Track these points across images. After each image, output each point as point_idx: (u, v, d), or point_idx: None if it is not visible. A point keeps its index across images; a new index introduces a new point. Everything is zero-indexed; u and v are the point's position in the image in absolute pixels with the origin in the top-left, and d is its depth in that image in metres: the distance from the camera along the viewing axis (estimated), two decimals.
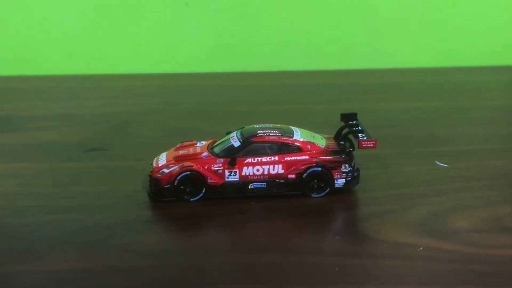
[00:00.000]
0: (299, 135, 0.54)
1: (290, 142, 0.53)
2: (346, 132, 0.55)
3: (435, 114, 0.80)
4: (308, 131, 0.56)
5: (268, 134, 0.54)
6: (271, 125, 0.56)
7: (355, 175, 0.54)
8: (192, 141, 0.57)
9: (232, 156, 0.52)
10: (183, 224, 0.50)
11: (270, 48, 1.05)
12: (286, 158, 0.53)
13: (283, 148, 0.53)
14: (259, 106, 0.85)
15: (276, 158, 0.53)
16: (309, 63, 1.06)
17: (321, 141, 0.55)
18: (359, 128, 0.55)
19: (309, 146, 0.53)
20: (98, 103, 0.86)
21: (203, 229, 0.49)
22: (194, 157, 0.53)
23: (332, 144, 0.55)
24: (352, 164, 0.54)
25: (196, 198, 0.53)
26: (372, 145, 0.53)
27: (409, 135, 0.71)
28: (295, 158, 0.53)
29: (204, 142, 0.56)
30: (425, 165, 0.61)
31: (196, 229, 0.49)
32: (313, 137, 0.55)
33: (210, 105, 0.85)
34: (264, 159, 0.53)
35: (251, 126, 0.56)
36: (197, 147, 0.55)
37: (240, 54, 1.05)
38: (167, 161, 0.54)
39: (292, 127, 0.56)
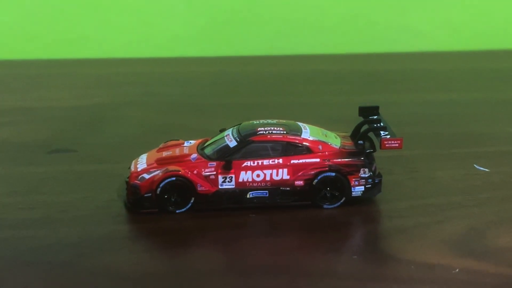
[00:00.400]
0: (308, 133, 0.54)
1: (297, 141, 0.53)
2: (366, 129, 0.55)
3: (473, 108, 0.80)
4: (319, 128, 0.56)
5: (270, 131, 0.54)
6: (275, 121, 0.56)
7: (376, 181, 0.54)
8: (178, 140, 0.58)
9: (227, 159, 0.53)
10: (167, 241, 0.50)
11: (273, 28, 1.06)
12: (292, 161, 0.53)
13: (289, 149, 0.53)
14: (260, 98, 0.85)
15: (281, 161, 0.53)
16: (321, 45, 1.06)
17: (335, 140, 0.55)
18: (381, 124, 0.55)
19: (320, 147, 0.53)
20: (65, 95, 0.86)
21: (192, 247, 0.49)
22: (180, 159, 0.54)
23: (349, 144, 0.55)
24: (373, 168, 0.54)
25: (183, 210, 0.53)
26: (397, 145, 0.53)
27: (442, 133, 0.71)
28: (304, 161, 0.53)
29: (193, 142, 0.56)
30: (462, 169, 0.62)
31: (183, 247, 0.49)
32: (326, 136, 0.55)
33: (199, 96, 0.85)
34: (265, 162, 0.53)
35: (250, 122, 0.56)
36: (185, 148, 0.55)
37: (237, 35, 1.06)
38: (148, 165, 0.54)
39: (300, 124, 0.56)
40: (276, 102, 0.83)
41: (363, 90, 0.88)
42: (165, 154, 0.55)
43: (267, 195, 0.53)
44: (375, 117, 0.57)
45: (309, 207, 0.54)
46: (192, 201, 0.53)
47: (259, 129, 0.54)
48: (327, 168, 0.53)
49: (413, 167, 0.62)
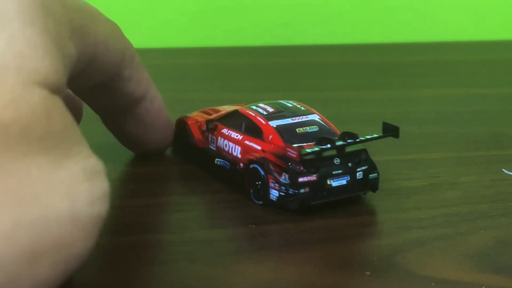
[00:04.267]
0: (288, 121, 0.56)
1: (258, 124, 0.56)
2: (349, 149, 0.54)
3: (502, 105, 0.80)
4: (326, 126, 0.56)
5: (257, 109, 0.58)
6: (289, 103, 0.59)
7: (290, 193, 0.52)
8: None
9: (213, 120, 0.60)
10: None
11: (276, 15, 1.06)
12: (245, 142, 0.56)
13: (251, 129, 0.56)
14: (260, 93, 0.85)
15: (240, 137, 0.57)
16: (329, 34, 1.06)
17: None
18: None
19: (271, 137, 0.55)
20: None
21: (184, 263, 0.49)
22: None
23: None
24: (303, 180, 0.52)
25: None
26: (294, 155, 0.51)
27: (467, 133, 0.72)
28: (251, 144, 0.56)
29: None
30: (488, 174, 0.62)
31: (168, 263, 0.49)
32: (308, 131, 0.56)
33: (194, 92, 0.85)
34: (233, 134, 0.58)
35: (279, 101, 0.60)
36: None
37: (235, 23, 1.06)
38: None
39: (315, 115, 0.57)
40: (278, 98, 0.83)
41: (376, 85, 0.88)
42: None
43: (229, 167, 0.57)
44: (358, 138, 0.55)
45: (314, 217, 0.54)
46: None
47: (259, 104, 0.58)
48: (254, 158, 0.54)
49: (433, 172, 0.62)
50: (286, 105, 0.59)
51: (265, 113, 0.57)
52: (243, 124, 0.57)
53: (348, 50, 1.03)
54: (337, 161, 0.53)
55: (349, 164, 0.53)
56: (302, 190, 0.52)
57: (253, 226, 0.53)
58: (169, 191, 0.59)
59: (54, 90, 0.37)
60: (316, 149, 0.52)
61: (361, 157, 0.54)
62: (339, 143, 0.53)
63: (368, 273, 0.47)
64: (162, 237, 0.51)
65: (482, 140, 0.69)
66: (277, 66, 0.96)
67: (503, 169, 0.63)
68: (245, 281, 0.47)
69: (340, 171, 0.53)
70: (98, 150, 0.41)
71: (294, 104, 0.59)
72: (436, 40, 1.06)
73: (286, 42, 1.05)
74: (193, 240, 0.51)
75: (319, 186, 0.53)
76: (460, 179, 0.61)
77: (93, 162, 0.37)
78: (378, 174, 0.55)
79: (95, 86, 0.55)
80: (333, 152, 0.53)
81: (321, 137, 0.54)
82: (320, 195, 0.53)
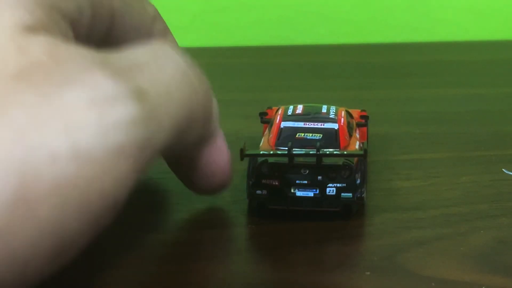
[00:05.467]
0: (296, 125, 0.55)
1: (274, 122, 0.56)
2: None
3: (503, 105, 0.80)
4: (334, 136, 0.55)
5: (290, 108, 0.58)
6: (327, 108, 0.58)
7: (255, 192, 0.52)
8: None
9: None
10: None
11: (276, 14, 1.06)
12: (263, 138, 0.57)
13: (270, 126, 0.57)
14: (260, 93, 0.85)
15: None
16: (330, 34, 1.06)
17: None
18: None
19: (271, 136, 0.55)
20: None
21: (186, 261, 0.49)
22: None
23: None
24: (268, 183, 0.52)
25: None
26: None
27: (466, 133, 0.71)
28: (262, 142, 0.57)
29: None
30: (488, 174, 0.62)
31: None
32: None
33: None
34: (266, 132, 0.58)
35: (320, 105, 0.59)
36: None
37: (235, 23, 1.06)
38: None
39: (335, 125, 0.55)
40: (278, 99, 0.83)
41: (376, 85, 0.88)
42: None
43: None
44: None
45: (313, 216, 0.54)
46: None
47: (299, 106, 0.58)
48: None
49: (433, 172, 0.62)
50: (320, 109, 0.57)
51: (290, 113, 0.57)
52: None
53: (348, 50, 1.03)
54: (304, 171, 0.51)
55: (319, 177, 0.51)
56: (259, 192, 0.52)
57: (253, 226, 0.53)
58: (168, 190, 0.59)
59: (37, 15, 0.33)
60: (262, 152, 0.51)
61: (341, 173, 0.51)
62: (300, 151, 0.50)
63: (368, 273, 0.47)
64: (161, 236, 0.51)
65: (482, 140, 0.69)
66: (277, 66, 0.96)
67: (503, 169, 0.62)
68: (245, 281, 0.47)
69: (305, 182, 0.51)
70: None
71: (331, 110, 0.57)
72: (436, 40, 1.06)
73: (286, 42, 1.05)
74: (192, 240, 0.51)
75: (280, 192, 0.52)
76: (460, 179, 0.61)
77: (106, 87, 0.32)
78: (354, 196, 0.52)
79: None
80: (312, 159, 0.51)
81: (295, 144, 0.52)
82: (283, 202, 0.52)
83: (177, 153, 0.48)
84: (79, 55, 0.33)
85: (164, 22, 0.50)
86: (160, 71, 0.38)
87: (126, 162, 0.32)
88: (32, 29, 0.33)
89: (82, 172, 0.30)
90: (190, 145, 0.46)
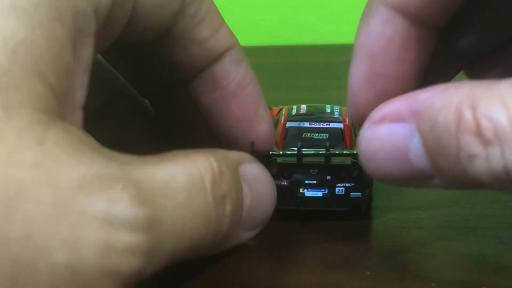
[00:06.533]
0: (302, 125, 0.55)
1: (279, 122, 0.56)
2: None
3: None
4: (341, 137, 0.54)
5: (294, 108, 0.58)
6: (332, 108, 0.57)
7: None
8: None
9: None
10: None
11: (276, 14, 1.06)
12: None
13: (275, 126, 0.56)
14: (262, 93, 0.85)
15: None
16: (330, 34, 1.06)
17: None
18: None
19: (277, 136, 0.54)
20: None
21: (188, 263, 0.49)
22: None
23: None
24: (278, 184, 0.51)
25: None
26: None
27: None
28: None
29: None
30: None
31: None
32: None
33: None
34: None
35: (324, 105, 0.58)
36: None
37: (235, 23, 1.06)
38: None
39: (341, 125, 0.55)
40: (278, 99, 0.82)
41: None
42: None
43: None
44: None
45: (315, 218, 0.54)
46: None
47: (303, 106, 0.58)
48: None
49: None
50: (324, 109, 0.57)
51: (294, 113, 0.56)
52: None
53: (348, 50, 1.02)
54: (313, 171, 0.51)
55: (328, 177, 0.51)
56: None
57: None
58: None
59: None
60: (271, 152, 0.51)
61: (351, 172, 0.51)
62: (309, 151, 0.50)
63: (368, 273, 0.47)
64: None
65: None
66: (277, 66, 0.96)
67: None
68: (245, 281, 0.47)
69: (314, 182, 0.52)
70: None
71: (335, 109, 0.57)
72: None
73: (286, 42, 1.05)
74: None
75: (289, 193, 0.52)
76: None
77: (123, 208, 0.33)
78: (363, 196, 0.52)
79: (151, 41, 0.43)
80: (320, 159, 0.51)
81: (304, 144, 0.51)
82: (292, 202, 0.52)
83: None
84: (104, 162, 0.33)
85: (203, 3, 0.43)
86: (185, 206, 0.37)
87: (115, 286, 0.32)
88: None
89: (74, 286, 0.30)
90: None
